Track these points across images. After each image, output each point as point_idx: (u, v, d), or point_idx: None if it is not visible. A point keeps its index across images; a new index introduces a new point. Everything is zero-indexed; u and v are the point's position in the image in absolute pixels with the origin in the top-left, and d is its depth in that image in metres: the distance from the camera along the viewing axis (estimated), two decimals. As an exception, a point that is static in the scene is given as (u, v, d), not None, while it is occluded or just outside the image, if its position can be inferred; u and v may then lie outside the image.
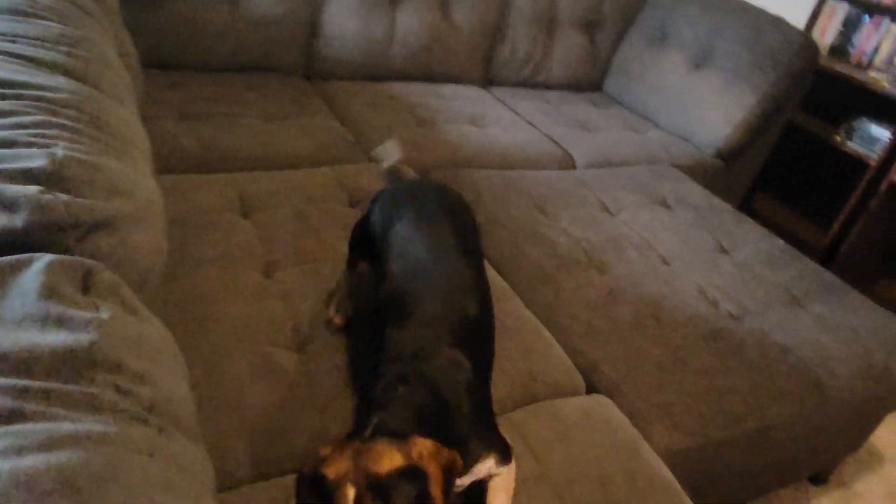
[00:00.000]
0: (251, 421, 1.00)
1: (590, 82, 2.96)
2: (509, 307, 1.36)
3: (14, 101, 0.74)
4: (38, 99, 0.76)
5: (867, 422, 1.70)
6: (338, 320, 1.20)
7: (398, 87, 2.43)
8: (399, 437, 0.74)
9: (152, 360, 0.58)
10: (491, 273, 1.47)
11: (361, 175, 1.74)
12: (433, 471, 0.72)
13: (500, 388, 1.17)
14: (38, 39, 0.87)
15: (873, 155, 2.67)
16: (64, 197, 0.65)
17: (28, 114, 0.74)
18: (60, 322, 0.54)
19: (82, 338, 0.53)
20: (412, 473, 0.70)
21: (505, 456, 0.93)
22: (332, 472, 0.70)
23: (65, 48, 0.88)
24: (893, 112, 2.59)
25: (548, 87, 2.86)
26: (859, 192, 2.70)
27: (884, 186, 2.56)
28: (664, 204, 2.06)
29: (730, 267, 1.77)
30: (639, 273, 1.64)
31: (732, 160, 2.61)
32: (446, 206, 1.18)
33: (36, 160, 0.67)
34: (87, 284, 0.61)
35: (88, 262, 0.62)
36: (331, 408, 1.05)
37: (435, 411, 0.84)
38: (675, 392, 1.27)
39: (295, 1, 2.22)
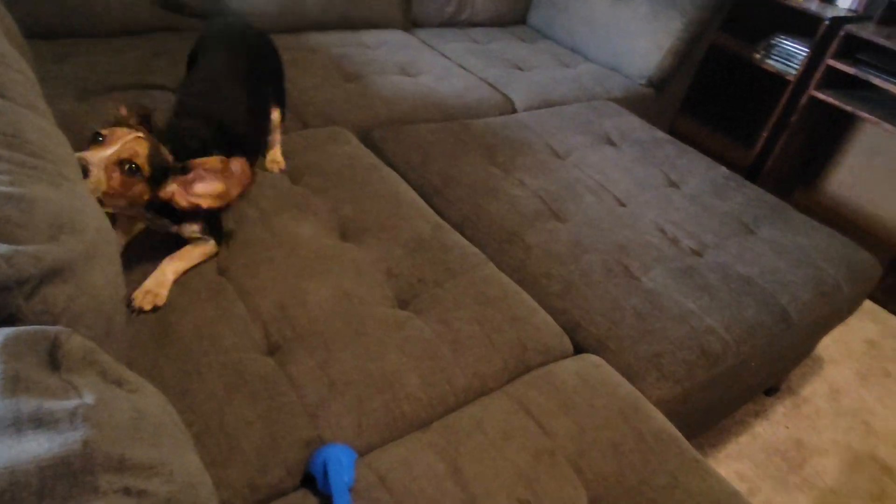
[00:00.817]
0: (238, 442, 0.91)
1: (514, 16, 2.85)
2: (485, 274, 1.31)
3: None
4: (-67, 120, 0.61)
5: (818, 335, 1.79)
6: None
7: (317, 38, 2.25)
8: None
9: (157, 442, 0.49)
10: (456, 237, 1.41)
11: (297, 146, 1.60)
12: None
13: (494, 361, 1.13)
14: (-88, 38, 0.69)
15: (792, 71, 2.74)
16: (2, 248, 0.53)
17: (-75, 142, 0.59)
18: (38, 421, 0.43)
19: (71, 437, 0.43)
20: (166, 166, 1.06)
21: (211, 232, 1.20)
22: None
23: (-51, 47, 0.71)
24: (809, 27, 2.65)
25: (472, 24, 2.73)
26: (780, 108, 2.79)
27: (803, 101, 2.64)
28: (610, 142, 2.04)
29: (682, 201, 1.78)
30: (599, 218, 1.62)
31: (662, 87, 2.61)
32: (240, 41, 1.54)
33: (-49, 205, 0.54)
34: (55, 359, 0.49)
35: (51, 329, 0.50)
36: (322, 412, 0.97)
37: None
38: (658, 341, 1.27)
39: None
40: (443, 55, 2.38)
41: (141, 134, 1.04)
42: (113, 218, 1.13)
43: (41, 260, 0.55)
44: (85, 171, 0.95)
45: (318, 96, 1.86)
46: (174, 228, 1.17)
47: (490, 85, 2.22)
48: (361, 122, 1.84)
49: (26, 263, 0.53)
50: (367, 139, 1.79)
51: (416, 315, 1.18)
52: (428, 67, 2.23)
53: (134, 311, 1.04)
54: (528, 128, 1.98)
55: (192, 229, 1.18)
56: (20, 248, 0.54)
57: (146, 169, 1.02)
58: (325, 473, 0.87)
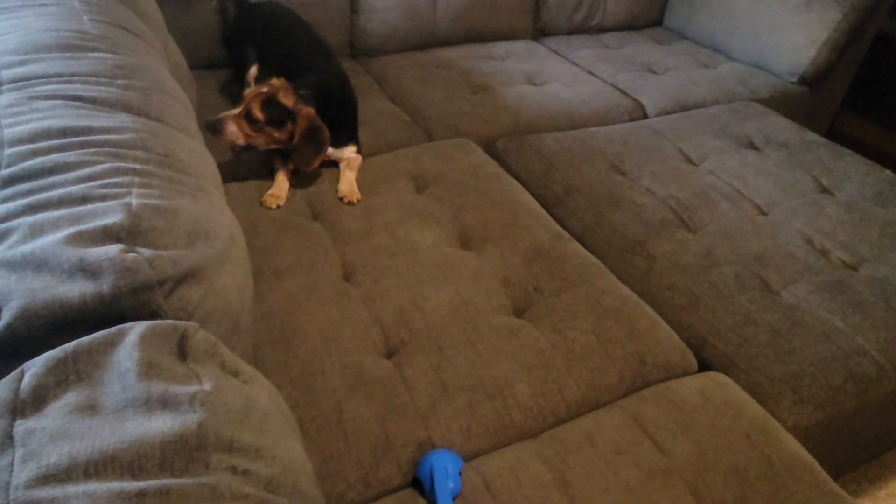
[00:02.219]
0: (355, 438, 0.97)
1: (649, 18, 2.75)
2: (603, 284, 1.28)
3: (81, 151, 0.70)
4: (105, 144, 0.72)
5: None
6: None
7: (446, 54, 2.32)
8: (302, 100, 1.43)
9: (263, 428, 0.54)
10: (576, 247, 1.39)
11: (423, 158, 1.66)
12: (301, 122, 1.41)
13: (610, 374, 1.10)
14: (93, 76, 0.83)
15: (982, 58, 2.38)
16: (146, 252, 0.61)
17: (97, 162, 0.69)
18: (164, 403, 0.50)
19: (190, 419, 0.49)
20: (287, 111, 1.41)
21: (359, 152, 1.62)
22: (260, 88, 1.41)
23: (122, 81, 0.84)
24: None
25: (603, 29, 2.68)
26: (967, 101, 2.43)
27: None
28: (751, 145, 1.90)
29: (835, 208, 1.61)
30: (734, 227, 1.52)
31: (817, 84, 2.39)
32: (284, 16, 1.87)
33: (112, 215, 0.63)
34: (183, 350, 0.56)
35: (181, 323, 0.58)
36: (433, 414, 1.00)
37: (331, 109, 1.50)
38: (797, 361, 1.16)
39: (332, -23, 2.13)
40: (571, 62, 2.35)
41: (264, 89, 1.39)
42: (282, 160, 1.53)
43: (178, 263, 0.63)
44: (219, 126, 1.36)
45: (444, 109, 1.93)
46: (336, 153, 1.57)
47: (620, 90, 2.16)
48: (486, 132, 1.87)
49: (166, 266, 0.62)
50: (491, 149, 1.82)
51: (530, 324, 1.18)
52: (555, 75, 2.21)
53: (349, 203, 1.45)
54: (658, 133, 1.90)
55: (349, 151, 1.59)
56: (162, 252, 0.62)
57: (262, 117, 1.38)
58: (432, 480, 0.89)
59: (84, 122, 0.75)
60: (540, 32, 2.61)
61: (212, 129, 1.36)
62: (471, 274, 1.27)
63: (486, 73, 2.19)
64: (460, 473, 0.92)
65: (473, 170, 1.62)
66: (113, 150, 0.72)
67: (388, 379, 1.05)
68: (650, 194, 1.62)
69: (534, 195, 1.61)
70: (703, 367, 1.20)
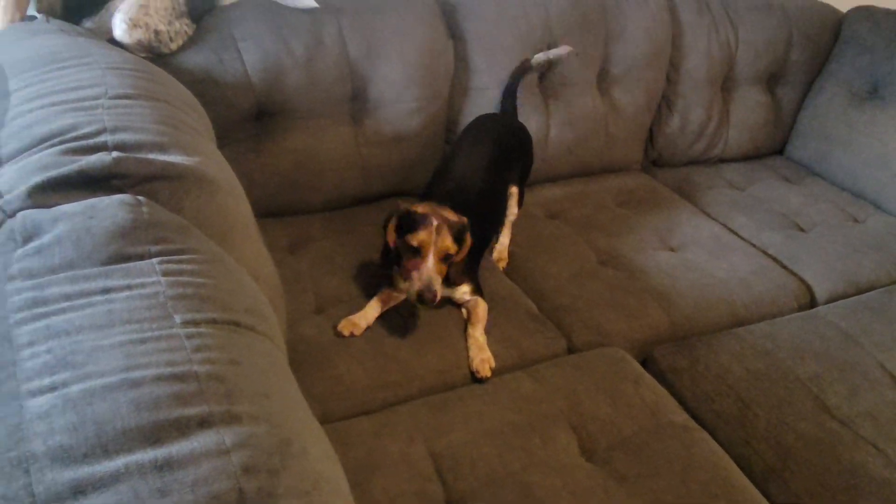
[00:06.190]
0: None
1: (770, 147, 2.39)
2: None
3: None
4: None
5: None
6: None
7: (554, 196, 1.95)
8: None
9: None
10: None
11: (578, 389, 1.24)
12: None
13: None
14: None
15: None
16: None
17: None
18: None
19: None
20: (464, 226, 1.25)
21: (478, 291, 1.39)
22: (418, 210, 1.24)
23: None
24: None
25: (722, 160, 2.30)
26: None
27: None
28: (971, 362, 1.50)
29: None
30: None
31: None
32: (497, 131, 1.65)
33: None
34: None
35: None
36: None
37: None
38: None
39: (432, 107, 1.74)
40: (702, 212, 1.97)
41: (439, 224, 1.20)
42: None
43: None
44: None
45: (576, 294, 1.52)
46: (447, 292, 1.33)
47: (779, 263, 1.75)
48: (637, 333, 1.46)
49: None
50: (650, 364, 1.41)
51: None
52: (692, 234, 1.82)
53: (484, 379, 1.24)
54: (849, 339, 1.50)
55: (462, 291, 1.37)
56: None
57: (456, 248, 1.23)
58: None
59: None
60: (651, 163, 2.23)
61: (423, 301, 1.18)
62: None
63: (609, 229, 1.79)
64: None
65: (651, 415, 1.21)
66: None
67: None
68: (882, 456, 1.21)
69: (734, 457, 1.19)
70: None
